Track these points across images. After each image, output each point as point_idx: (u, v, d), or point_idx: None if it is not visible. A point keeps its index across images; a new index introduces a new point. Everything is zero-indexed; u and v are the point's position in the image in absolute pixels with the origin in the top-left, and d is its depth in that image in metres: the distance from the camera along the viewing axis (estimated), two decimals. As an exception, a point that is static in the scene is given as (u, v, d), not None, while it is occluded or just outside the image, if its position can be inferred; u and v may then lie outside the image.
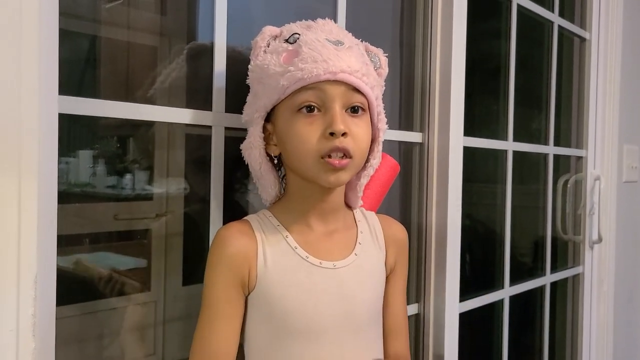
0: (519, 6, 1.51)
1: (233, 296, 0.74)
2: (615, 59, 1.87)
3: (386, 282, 0.86)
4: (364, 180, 0.83)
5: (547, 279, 1.69)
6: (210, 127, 0.85)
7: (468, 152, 1.25)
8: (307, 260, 0.76)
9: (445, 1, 1.20)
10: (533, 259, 1.74)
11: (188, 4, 0.89)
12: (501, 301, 1.49)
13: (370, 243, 0.84)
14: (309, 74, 0.71)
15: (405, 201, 1.24)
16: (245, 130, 0.80)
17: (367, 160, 0.80)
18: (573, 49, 1.84)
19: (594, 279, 1.85)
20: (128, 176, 0.82)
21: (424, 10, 1.24)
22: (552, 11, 1.68)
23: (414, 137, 1.22)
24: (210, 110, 0.85)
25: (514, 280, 1.52)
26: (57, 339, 0.66)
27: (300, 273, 0.75)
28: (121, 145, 0.82)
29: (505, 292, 1.49)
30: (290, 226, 0.78)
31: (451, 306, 1.20)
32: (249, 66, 0.78)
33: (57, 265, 0.65)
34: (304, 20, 0.79)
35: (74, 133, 0.75)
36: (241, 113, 0.81)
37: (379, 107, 0.79)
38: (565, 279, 1.80)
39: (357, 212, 0.86)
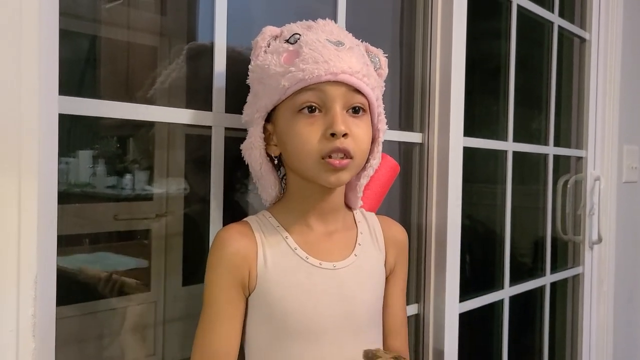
0: (519, 6, 1.51)
1: (233, 297, 0.74)
2: (615, 59, 1.87)
3: (386, 283, 0.86)
4: (363, 181, 0.83)
5: (547, 279, 1.69)
6: (210, 127, 0.85)
7: (468, 152, 1.25)
8: (307, 261, 0.76)
9: (445, 1, 1.20)
10: (533, 259, 1.74)
11: (188, 4, 0.89)
12: (501, 301, 1.49)
13: (370, 244, 0.84)
14: (310, 74, 0.70)
15: (405, 201, 1.24)
16: (245, 130, 0.80)
17: (367, 161, 0.80)
18: (573, 49, 1.84)
19: (594, 279, 1.85)
20: (128, 176, 0.82)
21: (424, 10, 1.24)
22: (552, 11, 1.68)
23: (413, 137, 1.22)
24: (210, 110, 0.85)
25: (514, 281, 1.52)
26: (57, 339, 0.66)
27: (300, 274, 0.75)
28: (121, 146, 0.82)
29: (505, 293, 1.49)
30: (290, 227, 0.78)
31: (451, 306, 1.20)
32: (250, 66, 0.78)
33: (57, 265, 0.65)
34: (304, 21, 0.79)
35: (74, 133, 0.75)
36: (241, 113, 0.81)
37: (379, 107, 0.79)
38: (565, 279, 1.80)
39: (357, 213, 0.86)
